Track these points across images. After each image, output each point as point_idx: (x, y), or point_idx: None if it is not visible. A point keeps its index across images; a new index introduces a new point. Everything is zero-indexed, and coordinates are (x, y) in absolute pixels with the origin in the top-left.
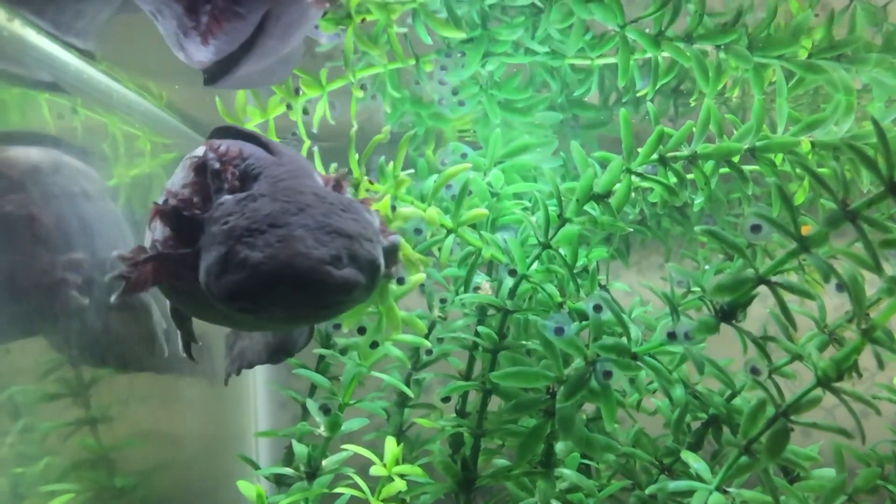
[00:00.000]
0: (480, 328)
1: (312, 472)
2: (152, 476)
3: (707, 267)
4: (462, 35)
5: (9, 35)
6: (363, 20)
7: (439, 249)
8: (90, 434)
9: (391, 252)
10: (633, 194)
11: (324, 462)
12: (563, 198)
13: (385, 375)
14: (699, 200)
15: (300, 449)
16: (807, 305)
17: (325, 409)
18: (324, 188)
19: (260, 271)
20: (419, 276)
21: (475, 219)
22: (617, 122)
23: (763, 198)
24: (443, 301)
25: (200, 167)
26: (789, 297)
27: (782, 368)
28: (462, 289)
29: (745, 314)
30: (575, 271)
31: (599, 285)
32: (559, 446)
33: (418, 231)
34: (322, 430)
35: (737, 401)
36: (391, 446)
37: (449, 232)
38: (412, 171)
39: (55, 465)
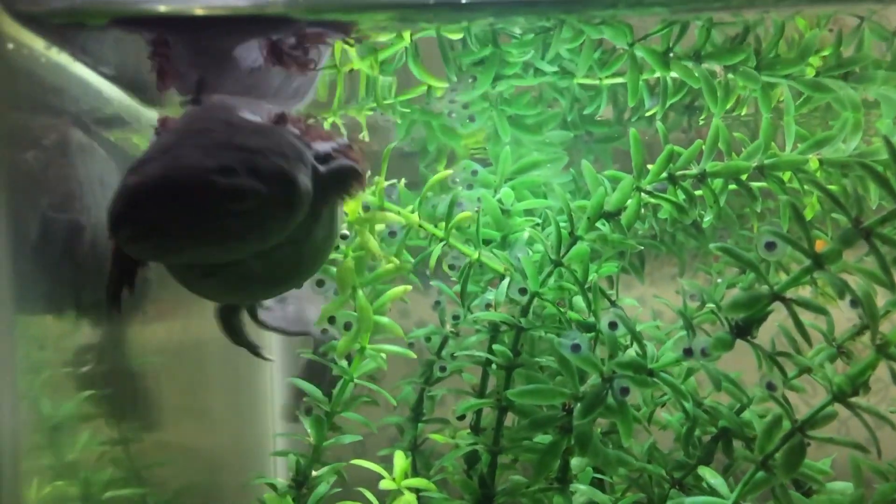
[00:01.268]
0: (495, 346)
1: (301, 482)
2: (178, 491)
3: (720, 280)
4: (449, 80)
5: (46, 62)
6: (350, 70)
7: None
8: (122, 451)
9: (337, 176)
10: (643, 210)
11: (314, 472)
12: (573, 215)
13: (374, 385)
14: (709, 218)
15: (291, 458)
16: (817, 318)
17: (307, 410)
18: (242, 118)
19: (137, 189)
20: (403, 288)
21: (461, 223)
22: (629, 137)
23: (775, 212)
24: (455, 318)
25: None
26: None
27: (792, 381)
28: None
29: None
30: (586, 286)
31: (610, 301)
32: (574, 461)
33: (392, 233)
34: (311, 438)
35: (746, 414)
36: (400, 460)
37: (440, 241)
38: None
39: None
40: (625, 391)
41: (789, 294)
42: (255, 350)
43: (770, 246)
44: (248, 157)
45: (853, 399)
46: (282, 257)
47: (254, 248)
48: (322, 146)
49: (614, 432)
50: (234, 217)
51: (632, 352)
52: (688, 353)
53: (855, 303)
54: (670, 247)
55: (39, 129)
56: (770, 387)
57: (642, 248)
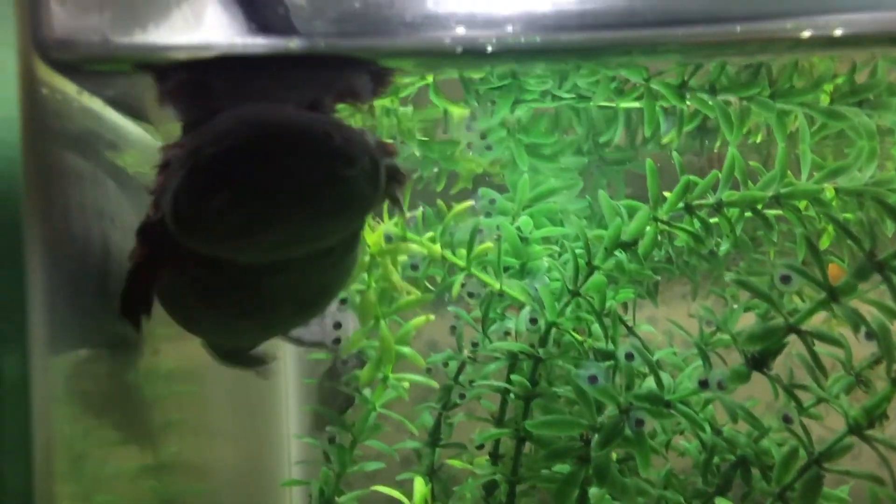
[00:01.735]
0: (513, 376)
1: None
2: None
3: (735, 306)
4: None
5: (79, 106)
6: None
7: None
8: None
9: (392, 171)
10: (659, 237)
11: (338, 499)
12: (590, 244)
13: (394, 414)
14: (725, 246)
15: (315, 485)
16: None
17: (331, 439)
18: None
19: (237, 141)
20: (425, 318)
21: (482, 253)
22: (643, 159)
23: (789, 235)
24: (474, 345)
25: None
26: None
27: (809, 409)
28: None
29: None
30: (603, 314)
31: (627, 327)
32: (593, 491)
33: (415, 266)
34: (334, 465)
35: (764, 442)
36: (420, 486)
37: (462, 270)
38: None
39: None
40: (640, 423)
41: (805, 326)
42: (265, 363)
43: (785, 279)
44: (339, 127)
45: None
46: (326, 268)
47: (337, 231)
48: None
49: (631, 458)
50: (341, 184)
51: (650, 380)
52: (704, 384)
53: (870, 335)
54: (683, 269)
55: (70, 166)
56: (787, 419)
57: (658, 278)
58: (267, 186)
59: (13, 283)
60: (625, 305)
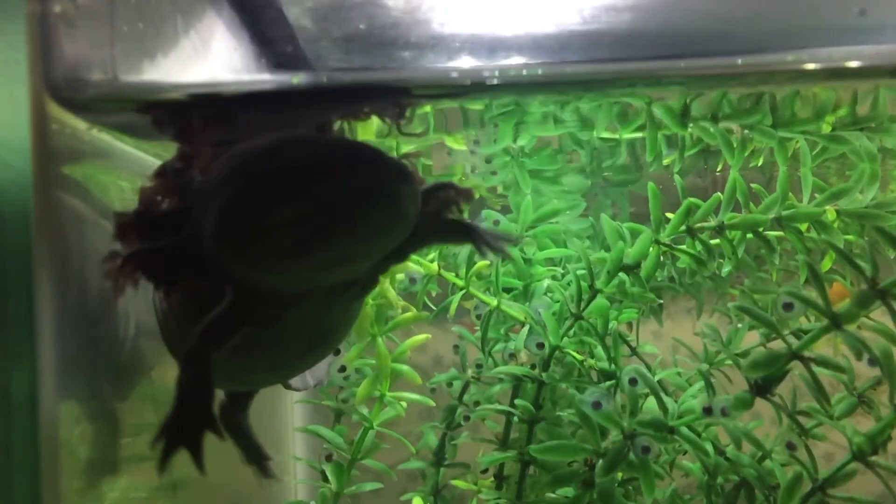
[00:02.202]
0: (517, 401)
1: None
2: None
3: (740, 325)
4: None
5: (90, 139)
6: None
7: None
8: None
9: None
10: (661, 258)
11: None
12: (592, 268)
13: (393, 432)
14: (727, 268)
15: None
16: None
17: (328, 456)
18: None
19: (295, 159)
20: (423, 336)
21: (484, 272)
22: (646, 180)
23: (791, 252)
24: (479, 367)
25: (160, 171)
26: None
27: (813, 430)
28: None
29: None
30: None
31: (630, 347)
32: None
33: (413, 280)
34: (332, 485)
35: (767, 463)
36: None
37: (461, 290)
38: None
39: None
40: (646, 450)
41: (808, 353)
42: (263, 460)
43: (787, 307)
44: (377, 151)
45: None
46: (342, 304)
47: (383, 249)
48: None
49: (635, 478)
50: (395, 200)
51: (652, 400)
52: (707, 411)
53: (873, 361)
54: (688, 288)
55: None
56: (790, 447)
57: (661, 301)
58: (329, 200)
59: (23, 300)
60: (630, 324)
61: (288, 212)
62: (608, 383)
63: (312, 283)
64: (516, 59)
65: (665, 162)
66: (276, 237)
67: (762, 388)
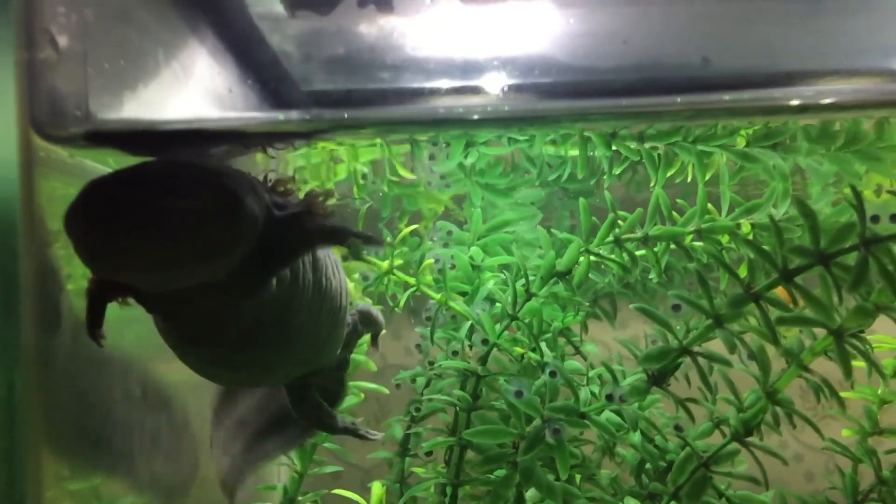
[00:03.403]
0: (457, 391)
1: None
2: None
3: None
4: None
5: (73, 163)
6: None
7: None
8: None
9: (297, 224)
10: (602, 266)
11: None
12: (529, 274)
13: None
14: (652, 276)
15: (280, 485)
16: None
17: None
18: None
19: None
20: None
21: (426, 270)
22: (601, 193)
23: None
24: (431, 363)
25: None
26: None
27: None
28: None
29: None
30: (551, 333)
31: (574, 347)
32: (529, 493)
33: (365, 277)
34: (295, 464)
35: (699, 443)
36: (377, 489)
37: (413, 288)
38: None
39: None
40: (556, 431)
41: (697, 348)
42: (356, 433)
43: (676, 307)
44: (194, 167)
45: (750, 438)
46: (265, 333)
47: (187, 261)
48: (285, 200)
49: (575, 466)
50: (169, 215)
51: (585, 391)
52: (609, 398)
53: (752, 355)
54: (641, 295)
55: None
56: (678, 428)
57: (588, 304)
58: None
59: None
60: (585, 325)
61: (91, 219)
62: (537, 380)
63: (161, 286)
64: (487, 79)
65: (615, 172)
66: (85, 242)
67: (658, 379)
